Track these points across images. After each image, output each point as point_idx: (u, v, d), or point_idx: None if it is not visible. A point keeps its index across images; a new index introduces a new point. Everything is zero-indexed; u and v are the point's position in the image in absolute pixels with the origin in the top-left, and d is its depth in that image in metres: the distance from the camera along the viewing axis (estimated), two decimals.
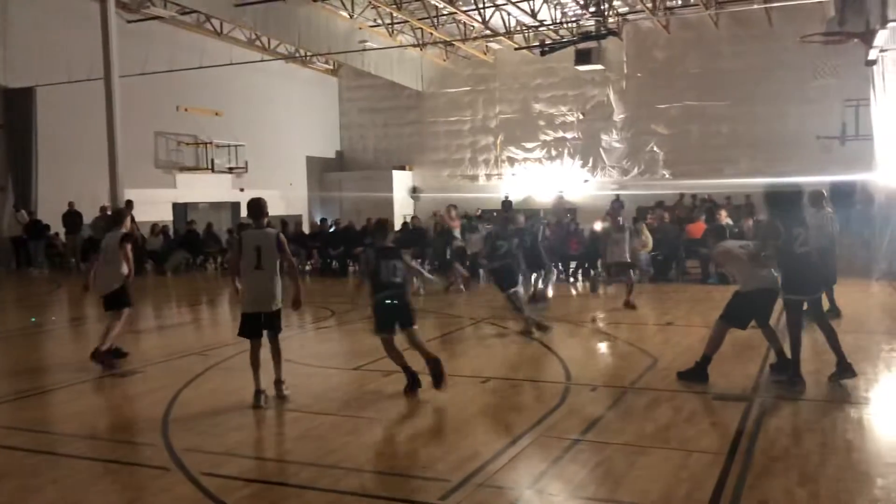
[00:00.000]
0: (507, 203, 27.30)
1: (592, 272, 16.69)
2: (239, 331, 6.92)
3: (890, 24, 12.34)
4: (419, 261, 18.79)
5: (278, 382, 6.93)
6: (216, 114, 26.67)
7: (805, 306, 7.04)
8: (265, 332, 6.88)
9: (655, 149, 27.82)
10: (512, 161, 30.31)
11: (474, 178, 30.97)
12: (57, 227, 21.52)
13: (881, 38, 13.18)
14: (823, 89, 24.18)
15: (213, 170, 26.41)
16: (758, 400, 6.63)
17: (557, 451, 5.39)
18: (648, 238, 15.84)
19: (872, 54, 14.68)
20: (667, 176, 27.19)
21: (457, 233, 16.54)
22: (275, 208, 27.31)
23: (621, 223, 12.74)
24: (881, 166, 16.65)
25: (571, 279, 17.38)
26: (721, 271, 14.58)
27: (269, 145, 28.67)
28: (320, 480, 4.90)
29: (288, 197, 30.00)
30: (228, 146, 26.94)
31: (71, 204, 21.17)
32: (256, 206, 6.87)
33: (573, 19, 25.64)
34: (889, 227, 15.61)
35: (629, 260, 12.57)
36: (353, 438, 5.80)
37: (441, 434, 6.08)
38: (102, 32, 19.79)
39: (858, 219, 17.13)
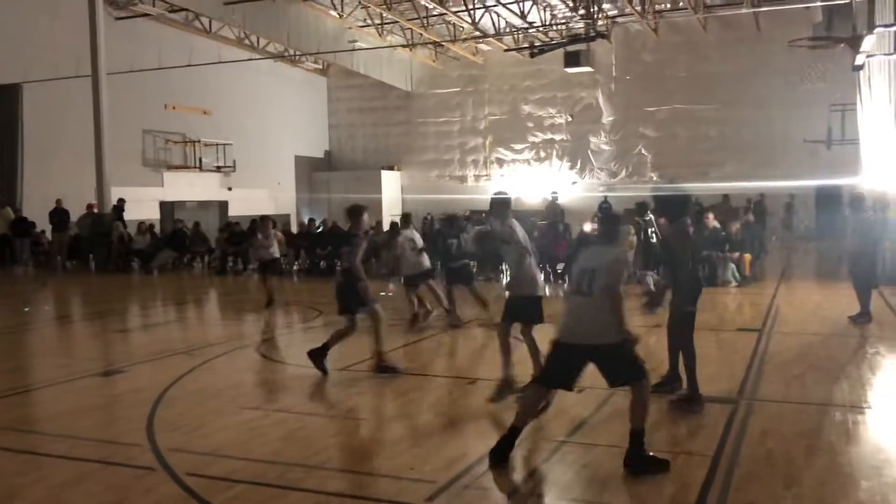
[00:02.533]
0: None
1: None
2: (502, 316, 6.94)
3: (877, 30, 12.42)
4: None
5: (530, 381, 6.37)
6: (204, 112, 26.59)
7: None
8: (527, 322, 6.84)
9: (644, 151, 27.95)
10: (501, 162, 30.37)
11: (463, 178, 31.01)
12: (43, 225, 21.36)
13: (868, 43, 13.26)
14: (810, 93, 24.33)
15: (200, 168, 26.34)
16: (744, 402, 6.66)
17: (545, 453, 5.40)
18: (633, 241, 15.86)
19: (859, 59, 14.77)
20: (655, 179, 27.30)
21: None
22: (263, 208, 27.49)
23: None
24: (866, 171, 16.77)
25: (560, 281, 17.38)
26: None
27: (258, 144, 28.60)
28: (306, 481, 4.88)
29: (276, 196, 29.97)
30: (216, 145, 26.86)
31: (58, 202, 21.04)
32: (502, 202, 7.02)
33: (562, 21, 25.72)
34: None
35: None
36: (340, 439, 5.79)
37: (427, 435, 6.06)
38: (90, 29, 19.76)
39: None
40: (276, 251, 13.53)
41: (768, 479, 4.83)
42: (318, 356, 7.78)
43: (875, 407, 6.71)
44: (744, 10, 23.57)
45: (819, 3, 19.63)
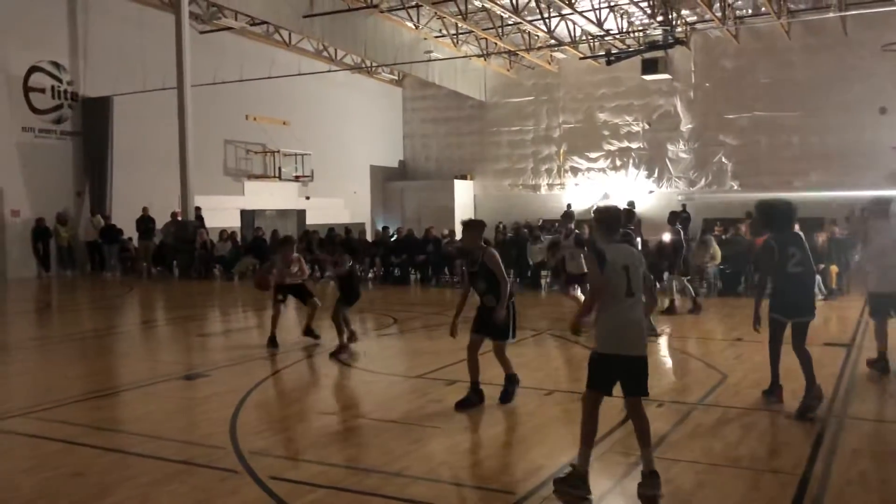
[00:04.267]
0: (568, 212, 26.98)
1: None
2: (589, 380, 5.03)
3: None
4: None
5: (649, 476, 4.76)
6: (284, 123, 27.18)
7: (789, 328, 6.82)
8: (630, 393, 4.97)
9: (724, 160, 27.28)
10: (575, 171, 30.08)
11: (536, 187, 30.84)
12: (130, 232, 22.19)
13: None
14: None
15: (280, 178, 26.90)
16: (833, 420, 6.40)
17: (623, 468, 5.29)
18: (717, 251, 15.51)
19: None
20: (735, 187, 26.64)
21: None
22: (339, 216, 27.86)
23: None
24: None
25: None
26: None
27: (335, 154, 29.08)
28: (385, 488, 4.91)
29: (352, 205, 30.40)
30: (295, 155, 27.41)
31: (145, 209, 21.81)
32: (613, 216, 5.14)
33: (640, 28, 25.35)
34: None
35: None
36: (418, 447, 5.80)
37: (505, 446, 6.03)
38: (176, 43, 20.46)
39: None
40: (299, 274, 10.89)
41: (863, 502, 4.62)
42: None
43: None
44: (831, 14, 22.74)
45: None
